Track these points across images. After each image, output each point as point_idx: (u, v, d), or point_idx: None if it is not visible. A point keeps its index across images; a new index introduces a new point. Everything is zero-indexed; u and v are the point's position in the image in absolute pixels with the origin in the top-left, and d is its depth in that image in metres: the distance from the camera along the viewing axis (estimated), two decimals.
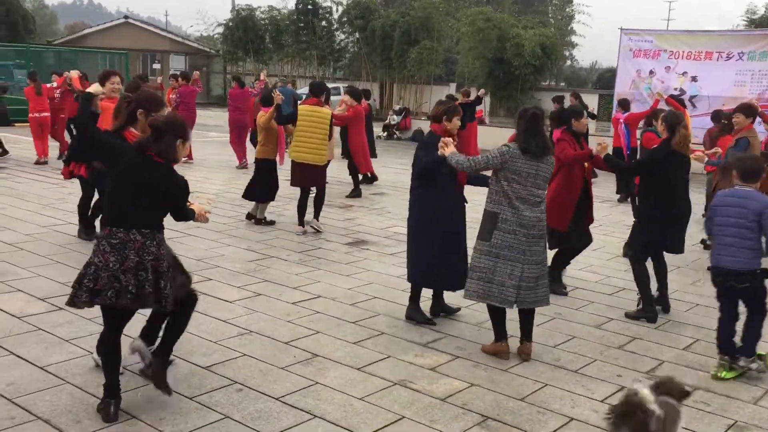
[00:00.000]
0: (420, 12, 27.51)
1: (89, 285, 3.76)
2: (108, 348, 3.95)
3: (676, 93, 18.69)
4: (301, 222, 8.67)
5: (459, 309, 5.91)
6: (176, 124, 3.95)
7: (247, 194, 9.14)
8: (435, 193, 5.43)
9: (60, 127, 14.14)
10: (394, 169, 15.16)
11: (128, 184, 3.85)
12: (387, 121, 23.11)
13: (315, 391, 4.38)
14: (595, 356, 5.16)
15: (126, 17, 39.00)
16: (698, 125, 13.96)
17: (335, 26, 33.67)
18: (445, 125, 5.43)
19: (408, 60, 26.95)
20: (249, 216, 9.19)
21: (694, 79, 18.67)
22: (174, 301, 3.96)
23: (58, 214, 8.93)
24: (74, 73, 7.73)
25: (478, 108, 15.20)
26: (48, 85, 13.88)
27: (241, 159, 14.10)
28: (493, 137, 18.91)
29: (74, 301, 3.86)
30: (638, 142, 11.12)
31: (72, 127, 15.92)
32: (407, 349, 5.12)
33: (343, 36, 34.03)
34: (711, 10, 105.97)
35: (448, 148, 5.08)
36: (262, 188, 8.99)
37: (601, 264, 7.75)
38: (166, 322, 4.22)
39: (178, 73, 16.08)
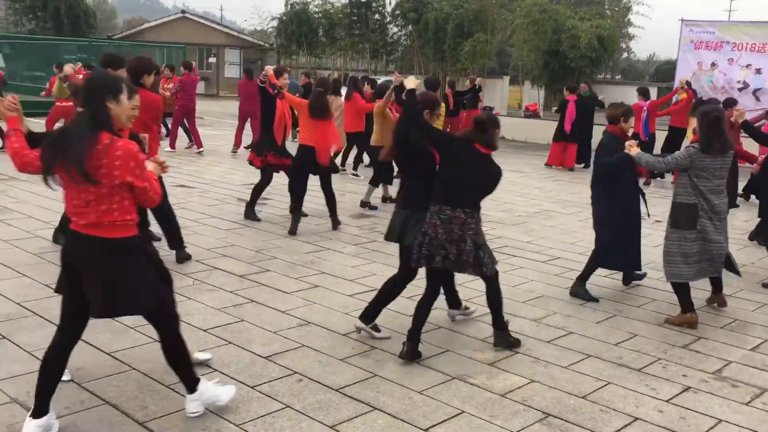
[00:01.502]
0: (474, 4, 27.27)
1: (425, 252, 4.59)
2: (424, 305, 4.84)
3: (739, 86, 18.17)
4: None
5: (645, 274, 6.71)
6: (494, 118, 4.68)
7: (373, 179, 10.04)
8: (614, 187, 6.00)
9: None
10: None
11: (458, 170, 4.58)
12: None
13: (374, 383, 4.39)
14: (659, 355, 5.04)
15: (183, 12, 39.73)
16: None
17: (388, 19, 33.67)
18: (622, 125, 6.02)
19: (461, 53, 26.76)
20: (384, 198, 10.14)
21: (758, 71, 18.05)
22: (485, 271, 4.76)
23: None
24: (270, 69, 8.32)
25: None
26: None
27: (238, 144, 15.22)
28: (543, 129, 18.72)
29: (415, 265, 4.74)
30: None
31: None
32: (465, 344, 5.09)
33: (395, 29, 34.06)
34: None
35: (633, 149, 5.68)
36: (379, 172, 9.78)
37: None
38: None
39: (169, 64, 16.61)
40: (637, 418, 4.09)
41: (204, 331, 5.07)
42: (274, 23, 36.09)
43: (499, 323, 5.02)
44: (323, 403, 4.09)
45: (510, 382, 4.49)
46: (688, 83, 13.88)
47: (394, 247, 7.70)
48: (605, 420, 4.06)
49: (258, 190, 8.69)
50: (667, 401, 4.32)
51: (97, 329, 4.97)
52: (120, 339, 4.83)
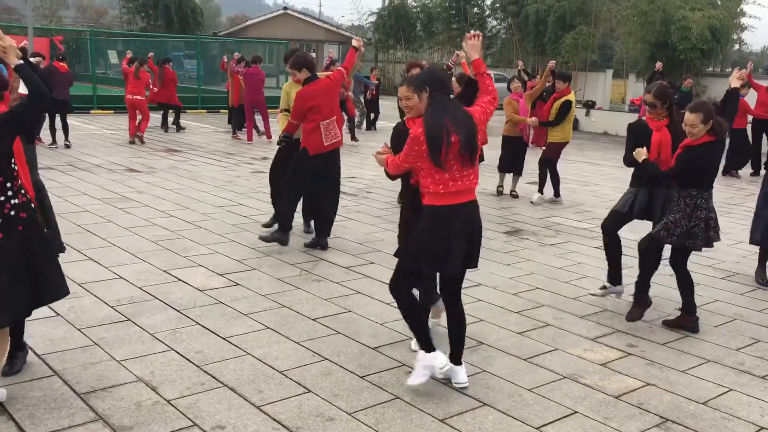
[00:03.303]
0: None
1: (698, 233, 5.08)
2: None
3: None
4: (558, 193, 10.15)
5: None
6: (709, 107, 5.02)
7: (499, 166, 10.61)
8: None
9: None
10: None
11: (711, 162, 5.10)
12: None
13: (483, 378, 4.35)
14: None
15: (285, 8, 40.66)
16: None
17: (487, 12, 33.31)
18: None
19: (562, 46, 26.15)
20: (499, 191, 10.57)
21: None
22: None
23: (229, 195, 9.47)
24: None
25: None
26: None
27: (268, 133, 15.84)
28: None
29: (698, 244, 5.19)
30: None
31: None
32: (575, 343, 4.97)
33: (494, 22, 33.63)
34: None
35: None
36: (506, 161, 10.38)
37: None
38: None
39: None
40: (763, 428, 3.88)
41: (313, 320, 5.17)
42: (372, 18, 36.42)
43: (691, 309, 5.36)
44: (433, 396, 4.09)
45: (624, 384, 4.35)
46: None
47: (498, 244, 7.64)
48: (728, 428, 3.87)
49: None
50: None
51: (213, 314, 5.18)
52: (234, 325, 5.00)
